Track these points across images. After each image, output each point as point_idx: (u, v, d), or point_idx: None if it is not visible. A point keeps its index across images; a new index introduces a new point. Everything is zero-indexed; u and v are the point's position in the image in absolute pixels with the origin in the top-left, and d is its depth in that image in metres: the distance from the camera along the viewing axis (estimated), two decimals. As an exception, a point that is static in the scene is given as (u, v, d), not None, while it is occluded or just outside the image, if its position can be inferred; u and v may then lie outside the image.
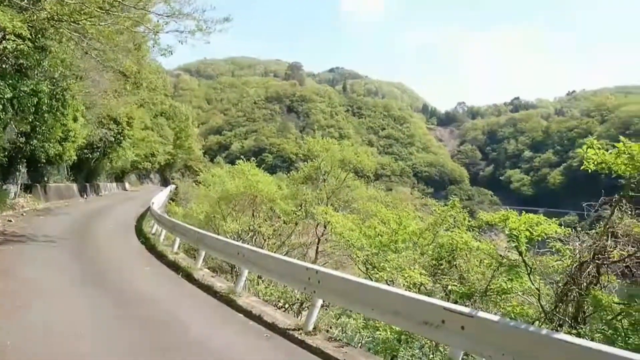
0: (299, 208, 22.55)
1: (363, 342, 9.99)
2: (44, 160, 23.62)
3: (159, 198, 29.97)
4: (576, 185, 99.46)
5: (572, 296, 6.82)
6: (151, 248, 14.95)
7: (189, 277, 10.87)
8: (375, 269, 11.35)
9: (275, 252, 16.84)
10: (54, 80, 17.96)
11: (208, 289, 9.73)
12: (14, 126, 17.73)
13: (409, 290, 8.77)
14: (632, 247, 6.54)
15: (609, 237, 6.67)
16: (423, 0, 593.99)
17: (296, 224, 22.43)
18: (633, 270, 6.51)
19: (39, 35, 14.68)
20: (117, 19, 13.96)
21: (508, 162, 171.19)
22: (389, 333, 8.54)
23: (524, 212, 7.94)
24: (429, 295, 8.31)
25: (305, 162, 28.30)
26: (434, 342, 8.23)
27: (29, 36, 13.66)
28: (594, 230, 7.14)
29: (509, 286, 8.18)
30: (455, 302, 8.28)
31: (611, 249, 6.65)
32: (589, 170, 6.83)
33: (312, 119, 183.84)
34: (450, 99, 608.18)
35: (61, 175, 29.87)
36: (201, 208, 25.75)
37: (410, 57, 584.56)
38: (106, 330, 6.34)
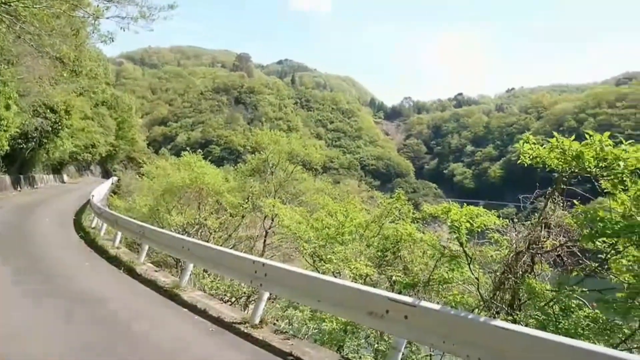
0: (246, 201, 22.34)
1: (309, 333, 10.05)
2: (-28, 150, 22.13)
3: (100, 191, 28.90)
4: (515, 178, 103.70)
5: (508, 284, 7.15)
6: (91, 243, 14.36)
7: (131, 272, 10.52)
8: (322, 261, 11.43)
9: (221, 245, 16.65)
10: (-18, 65, 16.84)
11: (151, 284, 9.45)
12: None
13: (355, 282, 8.89)
14: (564, 237, 6.95)
15: (543, 227, 7.04)
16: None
17: (243, 216, 22.23)
18: (564, 259, 6.91)
19: (-35, 17, 13.71)
20: (52, 2, 13.23)
21: (451, 156, 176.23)
22: (335, 324, 8.65)
23: (465, 205, 8.23)
24: (374, 286, 8.47)
25: (253, 155, 28.10)
26: (378, 332, 8.39)
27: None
28: (529, 222, 7.51)
29: (450, 276, 8.47)
30: (400, 293, 8.50)
31: (544, 239, 7.03)
32: (525, 164, 7.16)
33: (260, 111, 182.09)
34: (397, 93, 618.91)
35: (-9, 166, 28.11)
36: (145, 201, 25.03)
37: (358, 51, 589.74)
38: (41, 329, 6.03)
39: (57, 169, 47.64)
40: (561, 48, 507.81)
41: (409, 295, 7.37)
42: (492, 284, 7.78)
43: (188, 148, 31.00)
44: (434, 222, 11.72)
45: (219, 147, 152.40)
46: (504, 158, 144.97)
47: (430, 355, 8.43)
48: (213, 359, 5.70)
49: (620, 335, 5.85)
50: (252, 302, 11.35)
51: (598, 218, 6.10)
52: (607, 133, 6.33)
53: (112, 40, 15.24)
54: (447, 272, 8.54)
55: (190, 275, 9.61)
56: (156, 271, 11.20)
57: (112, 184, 50.15)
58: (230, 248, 15.30)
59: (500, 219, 8.07)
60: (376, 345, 8.75)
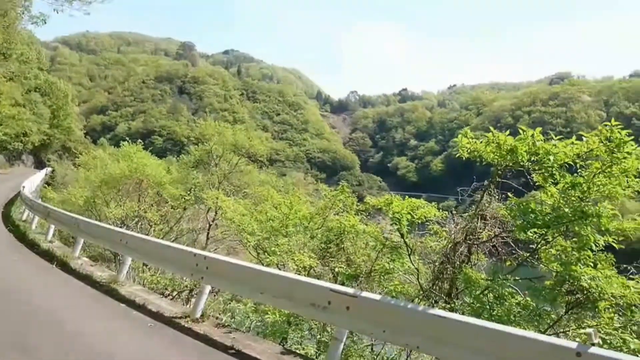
0: (189, 193, 21.84)
1: (252, 326, 9.99)
2: None
3: (32, 182, 27.50)
4: (455, 172, 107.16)
5: (446, 274, 7.39)
6: (21, 236, 13.62)
7: (64, 266, 10.04)
8: (266, 254, 11.36)
9: (162, 238, 16.23)
10: None
11: (86, 279, 9.06)
12: None
13: (299, 274, 8.89)
14: (498, 228, 7.25)
15: (479, 219, 7.31)
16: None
17: (185, 209, 21.73)
18: (498, 249, 7.21)
19: None
20: (-24, -22, 12.28)
21: (396, 150, 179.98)
22: (278, 316, 8.62)
23: (407, 197, 8.39)
24: (318, 278, 8.51)
25: (197, 146, 27.51)
26: (321, 324, 8.44)
27: None
28: (467, 214, 7.77)
29: (392, 266, 8.62)
30: (342, 284, 8.58)
31: (481, 230, 7.31)
32: (464, 158, 7.39)
33: (205, 102, 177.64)
34: (343, 87, 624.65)
35: None
36: (81, 193, 23.89)
37: (305, 44, 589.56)
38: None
39: (-17, 158, 44.73)
40: (499, 47, 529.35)
41: (352, 287, 7.46)
42: (432, 273, 8.02)
43: (128, 138, 29.85)
44: (377, 215, 11.91)
45: (161, 137, 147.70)
46: (446, 152, 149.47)
47: (372, 345, 8.57)
48: (151, 355, 5.52)
49: (549, 321, 6.18)
50: (194, 296, 11.14)
51: (530, 210, 6.39)
52: (539, 129, 6.63)
53: (45, 22, 14.36)
54: (388, 263, 8.68)
55: (129, 269, 9.32)
56: (92, 265, 10.76)
57: (46, 174, 47.81)
58: (172, 241, 14.91)
59: (441, 211, 8.30)
60: (319, 337, 8.80)
